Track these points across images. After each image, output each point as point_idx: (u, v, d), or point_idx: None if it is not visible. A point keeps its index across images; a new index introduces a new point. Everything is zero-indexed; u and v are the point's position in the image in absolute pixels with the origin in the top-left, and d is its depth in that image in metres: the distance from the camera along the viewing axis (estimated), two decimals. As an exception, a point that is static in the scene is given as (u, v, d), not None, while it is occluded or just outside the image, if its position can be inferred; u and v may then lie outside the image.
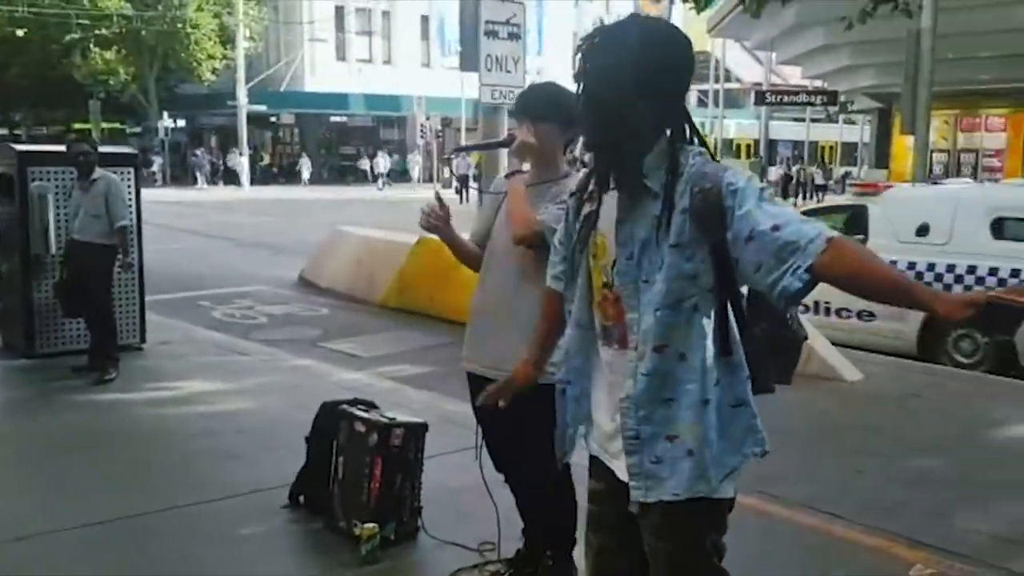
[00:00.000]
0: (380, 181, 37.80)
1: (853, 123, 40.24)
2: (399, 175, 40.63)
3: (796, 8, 19.44)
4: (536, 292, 3.01)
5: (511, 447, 3.16)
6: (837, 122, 41.61)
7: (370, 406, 3.93)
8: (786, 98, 26.34)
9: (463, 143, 27.99)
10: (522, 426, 3.09)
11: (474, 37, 8.90)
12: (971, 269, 7.22)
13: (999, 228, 7.34)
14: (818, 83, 26.94)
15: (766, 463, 2.13)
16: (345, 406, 3.83)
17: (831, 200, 11.70)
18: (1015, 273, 6.97)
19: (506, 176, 3.00)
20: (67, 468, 4.66)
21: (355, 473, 3.67)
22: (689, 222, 1.92)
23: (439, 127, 39.05)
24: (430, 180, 39.21)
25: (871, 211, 8.02)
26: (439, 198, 3.04)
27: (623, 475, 2.06)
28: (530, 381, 2.53)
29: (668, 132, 2.01)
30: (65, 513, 4.01)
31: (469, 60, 9.21)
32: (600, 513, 2.23)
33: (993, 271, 7.09)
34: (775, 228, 1.83)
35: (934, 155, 14.98)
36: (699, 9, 20.66)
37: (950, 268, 7.33)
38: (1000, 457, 5.14)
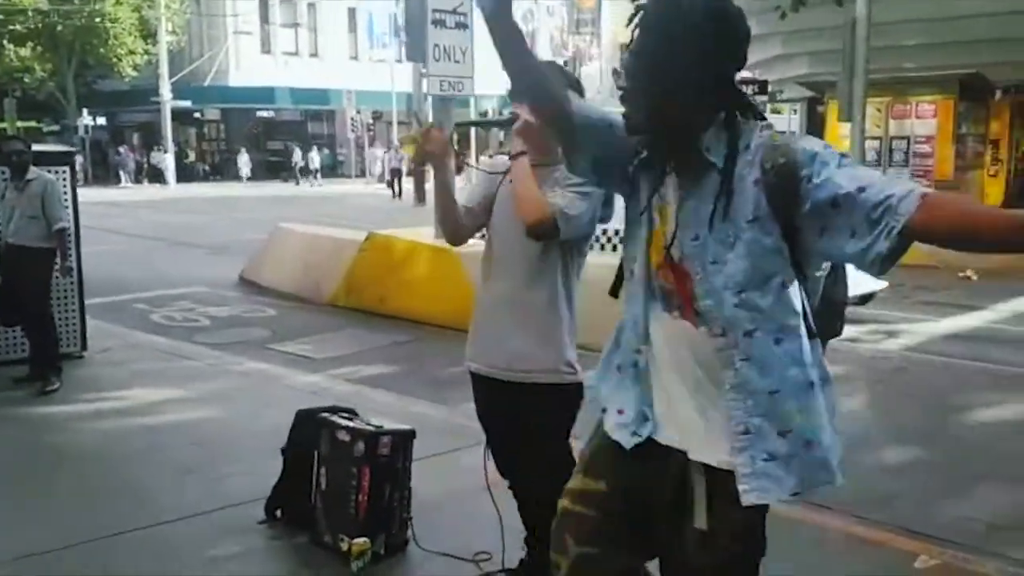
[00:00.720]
0: (313, 176, 37.17)
1: (779, 112, 40.86)
2: (329, 170, 40.00)
3: (729, -2, 19.54)
4: (549, 286, 2.86)
5: (518, 451, 2.99)
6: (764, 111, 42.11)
7: (351, 413, 3.73)
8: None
9: (408, 126, 27.63)
10: (530, 428, 2.93)
11: (421, 27, 8.69)
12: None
13: None
14: (746, 73, 27.23)
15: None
16: (325, 414, 3.61)
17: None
18: None
19: (510, 157, 2.79)
20: (8, 490, 4.34)
21: (340, 485, 3.46)
22: (764, 195, 1.80)
23: (370, 121, 38.50)
24: (362, 175, 38.69)
25: None
26: (436, 124, 2.86)
27: (720, 464, 1.88)
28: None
29: (725, 108, 1.86)
30: (15, 540, 3.71)
31: (415, 50, 9.00)
32: (593, 518, 2.03)
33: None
34: (860, 190, 1.70)
35: (867, 142, 15.17)
36: (634, -1, 20.75)
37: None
38: (979, 443, 5.16)
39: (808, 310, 1.91)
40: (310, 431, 3.65)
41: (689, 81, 1.81)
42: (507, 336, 2.85)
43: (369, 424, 3.50)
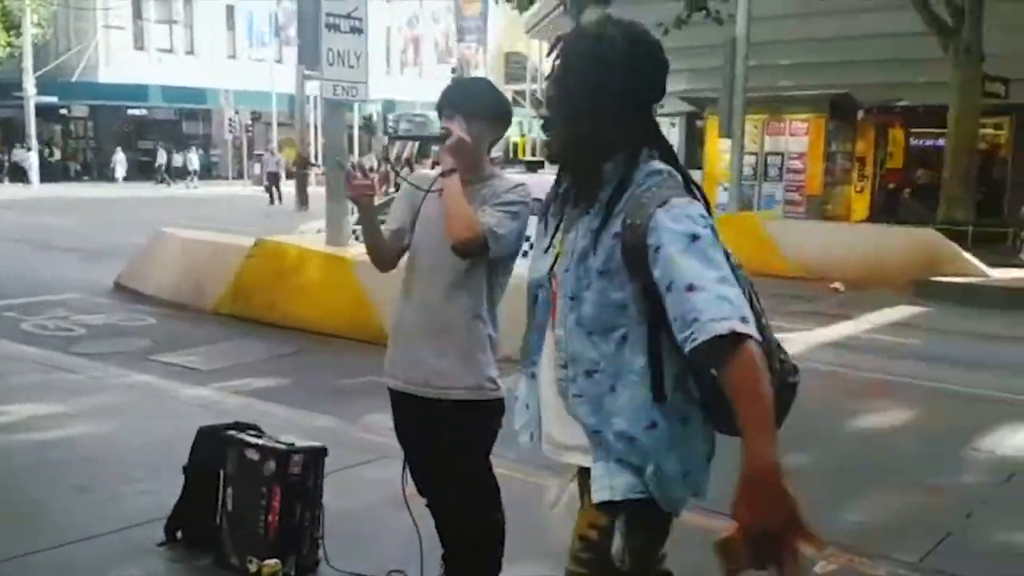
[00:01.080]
0: (190, 178, 35.98)
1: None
2: (205, 171, 38.80)
3: (612, 11, 20.01)
4: (472, 302, 2.84)
5: (437, 467, 2.96)
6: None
7: (256, 431, 3.62)
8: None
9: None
10: (450, 445, 2.91)
11: (314, 30, 8.54)
12: None
13: None
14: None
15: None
16: (232, 432, 3.49)
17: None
18: None
19: (442, 174, 2.76)
20: None
21: (248, 505, 3.34)
22: (619, 251, 1.81)
23: (248, 122, 37.56)
24: (240, 177, 37.68)
25: None
26: (360, 166, 2.82)
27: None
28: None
29: (637, 142, 1.90)
30: None
31: (308, 54, 8.85)
32: None
33: None
34: (690, 288, 1.70)
35: (745, 157, 15.77)
36: (521, 9, 20.97)
37: None
38: (862, 449, 5.41)
39: (667, 373, 1.86)
40: (214, 449, 3.52)
41: (605, 113, 1.84)
42: (427, 352, 2.82)
43: (279, 441, 3.40)
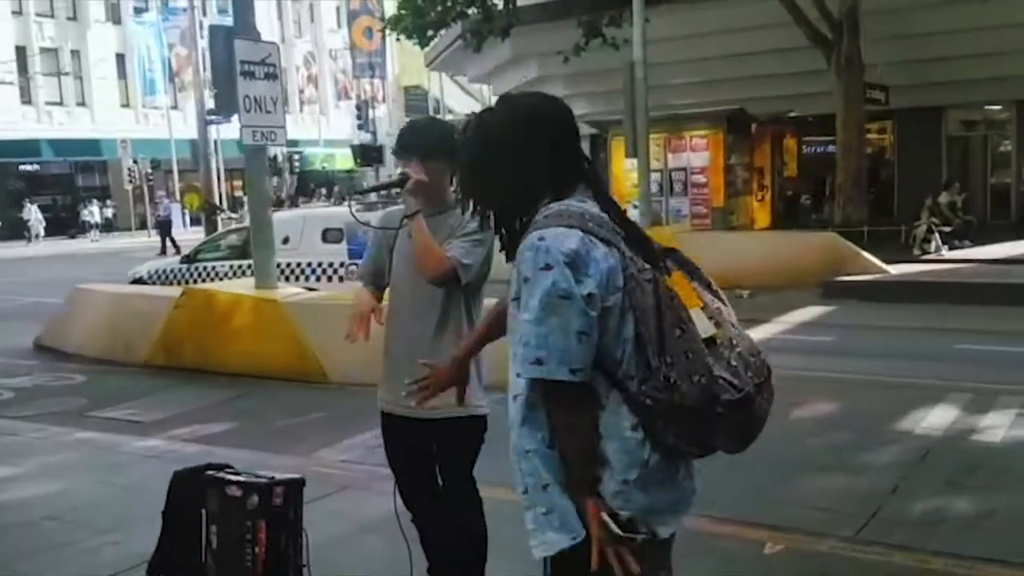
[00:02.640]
0: (94, 232, 35.08)
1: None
2: (106, 224, 37.90)
3: (512, 42, 20.53)
4: (455, 327, 3.10)
5: (424, 485, 3.18)
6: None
7: (230, 469, 3.75)
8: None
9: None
10: (440, 462, 3.13)
11: (228, 79, 8.65)
12: (309, 264, 11.28)
13: (325, 236, 11.47)
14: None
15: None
16: (210, 472, 3.62)
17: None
18: (342, 264, 11.09)
19: (405, 217, 3.01)
20: None
21: (234, 541, 3.47)
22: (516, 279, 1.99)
23: (149, 170, 36.86)
24: (143, 227, 36.90)
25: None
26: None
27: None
28: (454, 375, 2.74)
29: (558, 191, 2.08)
30: None
31: (225, 102, 8.94)
32: None
33: (320, 264, 11.24)
34: (526, 320, 1.92)
35: (651, 174, 16.32)
36: (422, 45, 21.29)
37: (298, 264, 11.29)
38: (791, 440, 5.76)
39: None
40: (194, 490, 3.64)
41: (500, 187, 2.09)
42: (417, 375, 3.04)
43: (258, 476, 3.55)
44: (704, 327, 1.98)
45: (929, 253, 15.33)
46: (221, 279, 11.64)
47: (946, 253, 15.33)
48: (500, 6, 19.06)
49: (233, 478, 3.53)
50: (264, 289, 8.99)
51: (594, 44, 17.90)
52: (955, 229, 16.14)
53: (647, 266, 1.98)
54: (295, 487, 3.57)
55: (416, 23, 19.58)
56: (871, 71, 17.52)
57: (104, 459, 5.83)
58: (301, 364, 8.28)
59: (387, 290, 3.27)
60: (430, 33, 20.51)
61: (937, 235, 15.55)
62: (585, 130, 23.47)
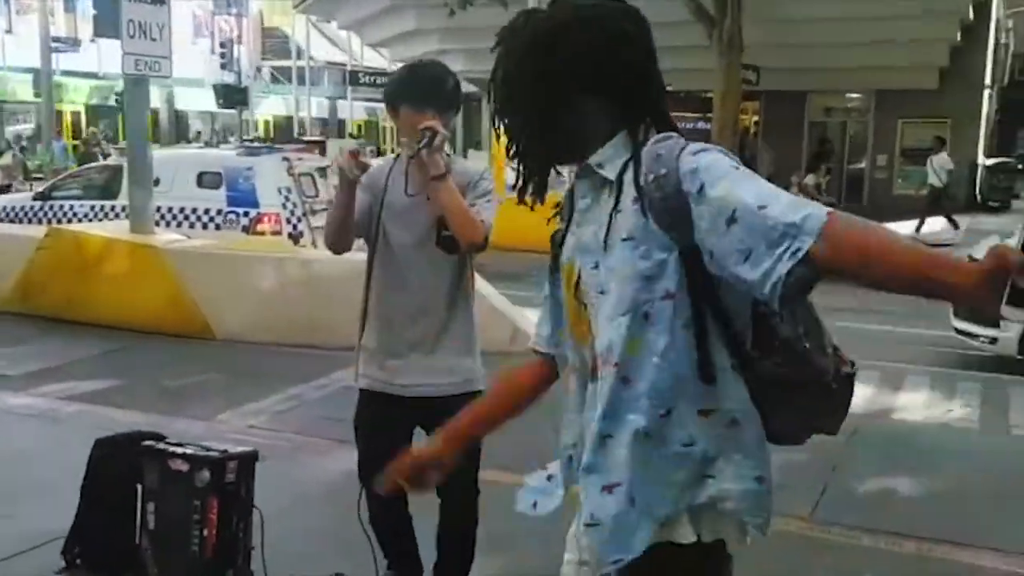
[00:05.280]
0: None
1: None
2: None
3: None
4: (463, 295, 2.79)
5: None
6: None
7: (158, 438, 3.31)
8: (379, 79, 26.80)
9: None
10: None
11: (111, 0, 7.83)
12: (182, 209, 10.21)
13: (201, 180, 10.44)
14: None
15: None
16: (150, 441, 3.17)
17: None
18: (219, 212, 10.19)
19: (432, 178, 2.62)
20: None
21: (178, 521, 3.05)
22: (643, 212, 1.58)
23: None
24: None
25: None
26: (360, 150, 2.65)
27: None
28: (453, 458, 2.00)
29: (627, 123, 1.70)
30: None
31: (106, 25, 8.09)
32: None
33: (194, 209, 10.24)
34: (761, 207, 1.47)
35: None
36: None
37: (169, 209, 10.07)
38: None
39: (717, 359, 1.64)
40: (125, 462, 3.19)
41: (563, 115, 1.68)
42: (427, 349, 2.75)
43: (208, 449, 3.13)
44: None
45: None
46: (80, 221, 10.70)
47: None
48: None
49: (177, 450, 3.11)
50: (141, 233, 8.25)
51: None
52: (819, 210, 16.82)
53: None
54: (248, 461, 3.20)
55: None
56: (745, 52, 17.90)
57: (-26, 419, 5.16)
58: (182, 318, 7.66)
59: (372, 259, 2.86)
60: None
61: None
62: (464, 88, 23.18)
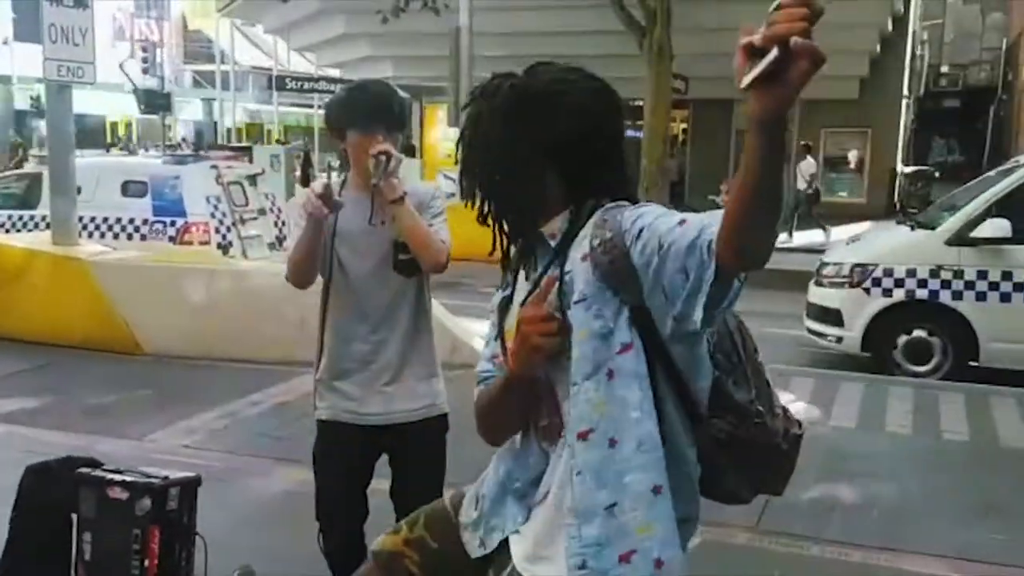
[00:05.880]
0: None
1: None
2: None
3: (321, -6, 19.61)
4: (424, 316, 2.73)
5: (408, 495, 2.73)
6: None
7: (93, 464, 3.16)
8: (306, 84, 26.47)
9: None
10: (419, 465, 2.73)
11: (31, 3, 7.54)
12: (105, 219, 10.09)
13: (126, 188, 10.27)
14: (332, 72, 27.48)
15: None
16: (85, 468, 3.03)
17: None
18: (145, 222, 10.03)
19: (392, 202, 2.54)
20: None
21: (116, 552, 2.92)
22: (593, 275, 1.60)
23: None
24: None
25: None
26: (328, 189, 2.53)
27: None
28: None
29: (580, 199, 1.70)
30: None
31: (26, 29, 7.80)
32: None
33: (119, 219, 10.11)
34: (681, 222, 1.50)
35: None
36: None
37: (92, 219, 9.96)
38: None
39: (672, 415, 1.66)
40: (59, 489, 3.03)
41: (523, 184, 1.68)
42: (390, 376, 2.68)
43: (149, 476, 3.00)
44: None
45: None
46: (-3, 231, 10.32)
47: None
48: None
49: (116, 477, 2.97)
50: (64, 245, 7.95)
51: (414, 6, 17.38)
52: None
53: None
54: (190, 487, 3.07)
55: (219, -36, 18.21)
56: (675, 60, 18.16)
57: None
58: (109, 332, 7.40)
59: (328, 288, 2.75)
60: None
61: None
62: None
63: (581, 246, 1.63)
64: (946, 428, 5.80)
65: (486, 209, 1.72)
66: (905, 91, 22.62)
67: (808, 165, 18.27)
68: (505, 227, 1.74)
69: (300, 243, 2.57)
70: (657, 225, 1.51)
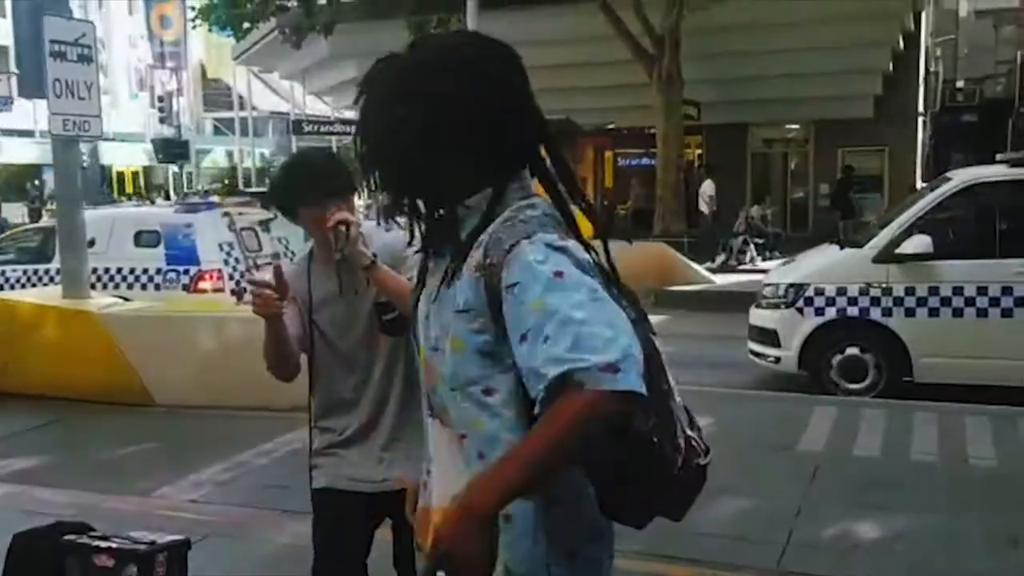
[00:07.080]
0: None
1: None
2: None
3: (332, 40, 19.78)
4: (412, 375, 2.62)
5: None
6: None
7: (83, 529, 3.08)
8: (322, 127, 26.69)
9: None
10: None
11: (35, 58, 7.61)
12: (119, 269, 9.98)
13: (139, 239, 10.18)
14: (348, 114, 27.69)
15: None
16: (71, 536, 2.94)
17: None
18: (158, 271, 9.95)
19: (364, 268, 2.46)
20: None
21: (103, 621, 2.83)
22: (481, 288, 1.52)
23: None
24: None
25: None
26: (279, 273, 2.43)
27: None
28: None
29: (498, 180, 1.59)
30: None
31: (31, 84, 7.88)
32: None
33: (132, 270, 10.01)
34: (522, 339, 1.45)
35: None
36: (237, 37, 20.09)
37: (106, 270, 9.87)
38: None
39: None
40: (47, 558, 2.95)
41: (420, 167, 1.58)
42: (390, 439, 2.60)
43: (136, 542, 2.91)
44: None
45: (745, 264, 15.97)
46: (13, 287, 10.36)
47: (760, 263, 16.03)
48: (323, 1, 18.29)
49: (102, 544, 2.90)
50: (74, 299, 7.96)
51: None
52: (766, 241, 16.96)
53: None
54: (179, 551, 2.98)
55: (231, 14, 18.46)
56: (686, 88, 18.13)
57: None
58: (120, 385, 7.36)
59: (313, 363, 2.67)
60: (246, 25, 19.41)
61: (752, 246, 16.25)
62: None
63: (477, 253, 1.54)
64: (972, 454, 5.62)
65: (404, 199, 1.62)
66: (920, 107, 22.42)
67: (707, 187, 18.10)
68: (422, 209, 1.63)
69: (266, 346, 2.48)
70: (521, 312, 1.46)
